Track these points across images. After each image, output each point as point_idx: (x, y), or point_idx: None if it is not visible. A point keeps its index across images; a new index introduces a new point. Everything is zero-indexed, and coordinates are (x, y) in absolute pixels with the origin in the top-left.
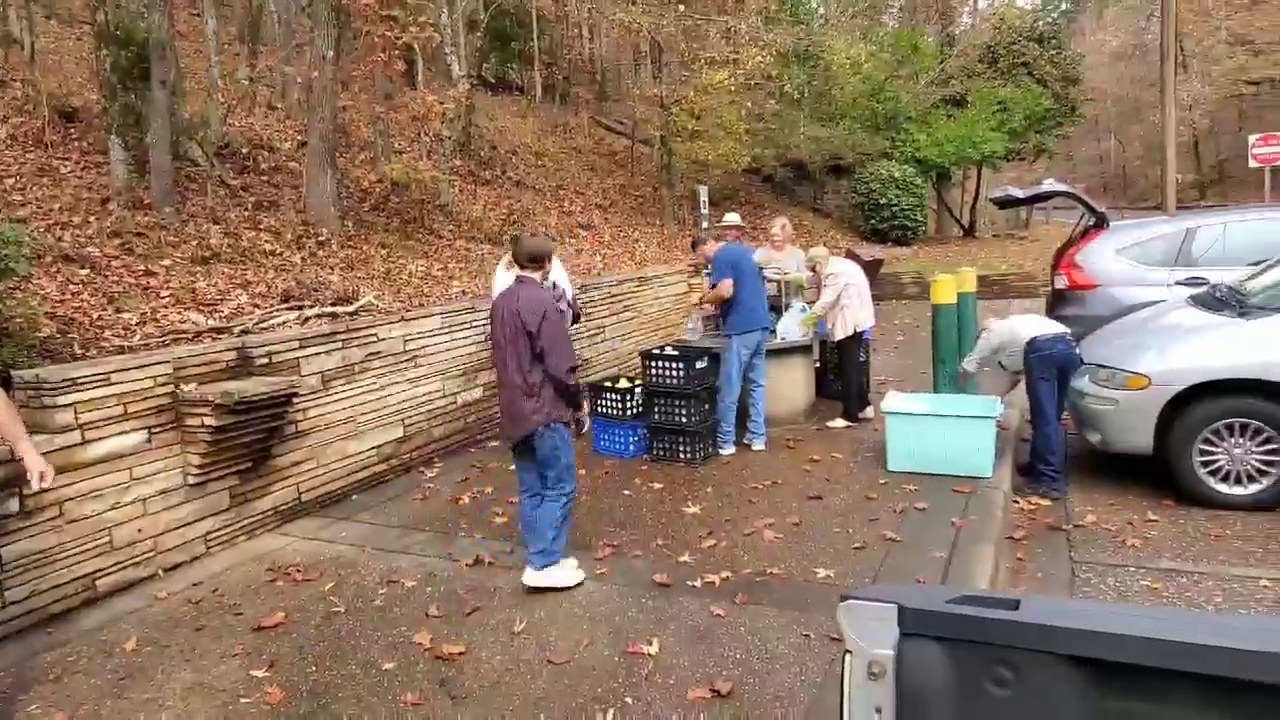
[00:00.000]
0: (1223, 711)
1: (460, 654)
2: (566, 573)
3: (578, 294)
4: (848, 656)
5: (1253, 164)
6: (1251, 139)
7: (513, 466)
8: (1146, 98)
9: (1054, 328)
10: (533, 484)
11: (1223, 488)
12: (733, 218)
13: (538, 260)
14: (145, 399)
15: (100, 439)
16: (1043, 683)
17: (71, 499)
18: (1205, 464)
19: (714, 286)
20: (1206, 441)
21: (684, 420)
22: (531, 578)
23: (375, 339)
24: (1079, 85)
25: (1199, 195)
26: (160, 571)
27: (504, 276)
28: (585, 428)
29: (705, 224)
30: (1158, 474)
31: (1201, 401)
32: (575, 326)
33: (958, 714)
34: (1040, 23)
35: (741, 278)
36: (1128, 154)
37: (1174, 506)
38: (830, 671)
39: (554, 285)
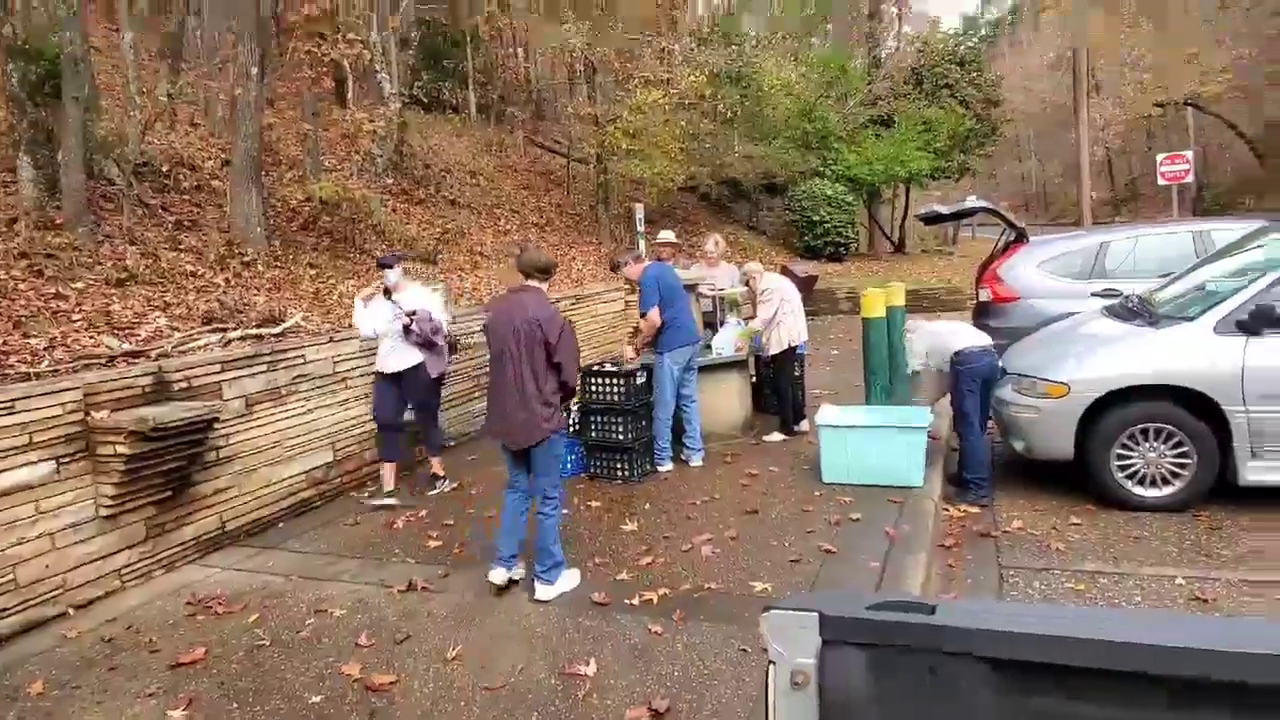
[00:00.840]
0: (1136, 708)
1: (391, 684)
2: (571, 576)
3: (452, 324)
4: (771, 667)
5: (1161, 182)
6: (1159, 158)
7: (448, 488)
8: (1062, 117)
9: (979, 339)
10: (524, 484)
11: (1139, 490)
12: (667, 235)
13: (546, 270)
14: (53, 427)
15: (3, 470)
16: (962, 685)
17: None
18: (1122, 468)
19: (643, 314)
20: (1123, 446)
21: (621, 437)
22: (545, 592)
23: (303, 360)
24: (999, 106)
25: (1114, 211)
26: (70, 609)
27: (362, 310)
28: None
29: (641, 242)
30: (1079, 479)
31: (1117, 408)
32: (454, 357)
33: (881, 719)
34: (961, 47)
35: (668, 295)
36: (1047, 172)
37: (1095, 510)
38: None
39: (413, 312)
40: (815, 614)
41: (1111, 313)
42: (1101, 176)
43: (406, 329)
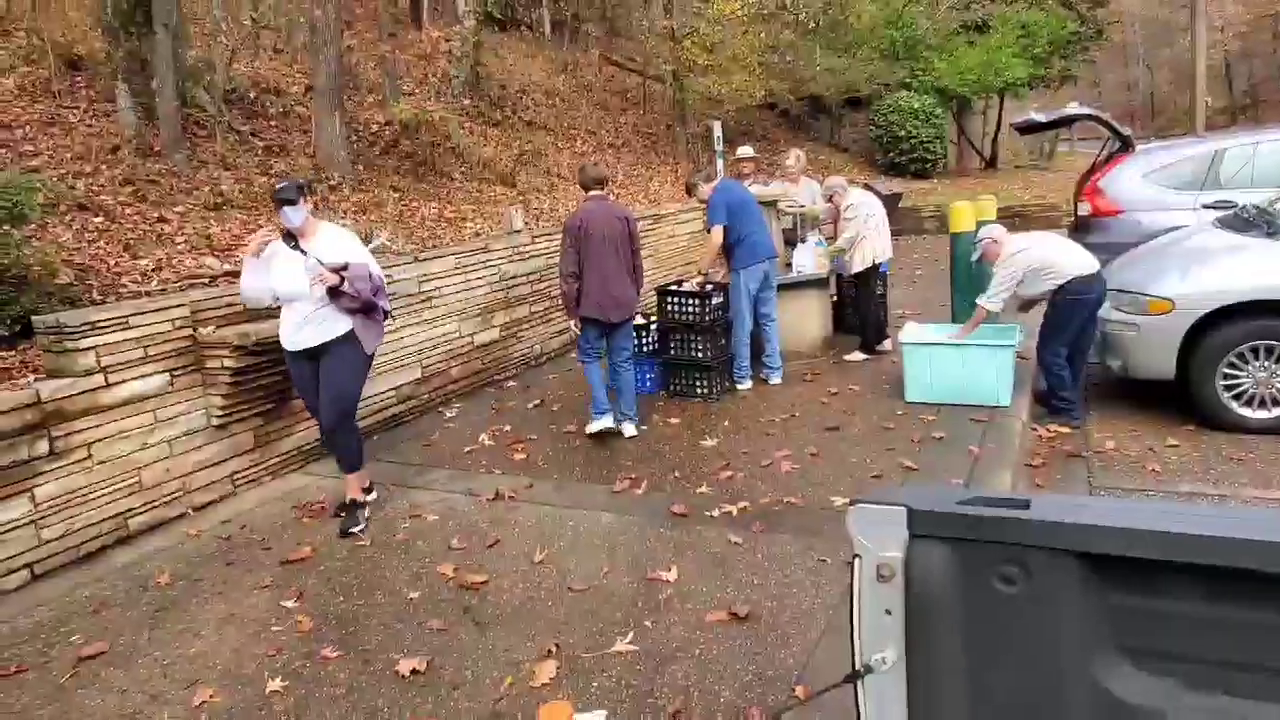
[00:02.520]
0: (1224, 603)
1: (483, 583)
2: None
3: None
4: (857, 560)
5: None
6: None
7: (530, 404)
8: (1176, 20)
9: (1090, 263)
10: (598, 353)
11: (1246, 412)
12: (745, 150)
13: (603, 181)
14: (165, 342)
15: (123, 382)
16: (1049, 579)
17: (99, 440)
18: (1228, 388)
19: (708, 231)
20: (1230, 365)
21: (700, 355)
22: (631, 430)
23: (390, 280)
24: (1106, 8)
25: (1230, 121)
26: (190, 510)
27: (255, 267)
28: None
29: (720, 160)
30: (1179, 399)
31: (1226, 324)
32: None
33: (966, 613)
34: None
35: (737, 213)
36: (1157, 80)
37: (1195, 431)
38: (847, 594)
39: (344, 266)
40: (903, 508)
41: (1224, 224)
42: (1218, 83)
43: (335, 290)
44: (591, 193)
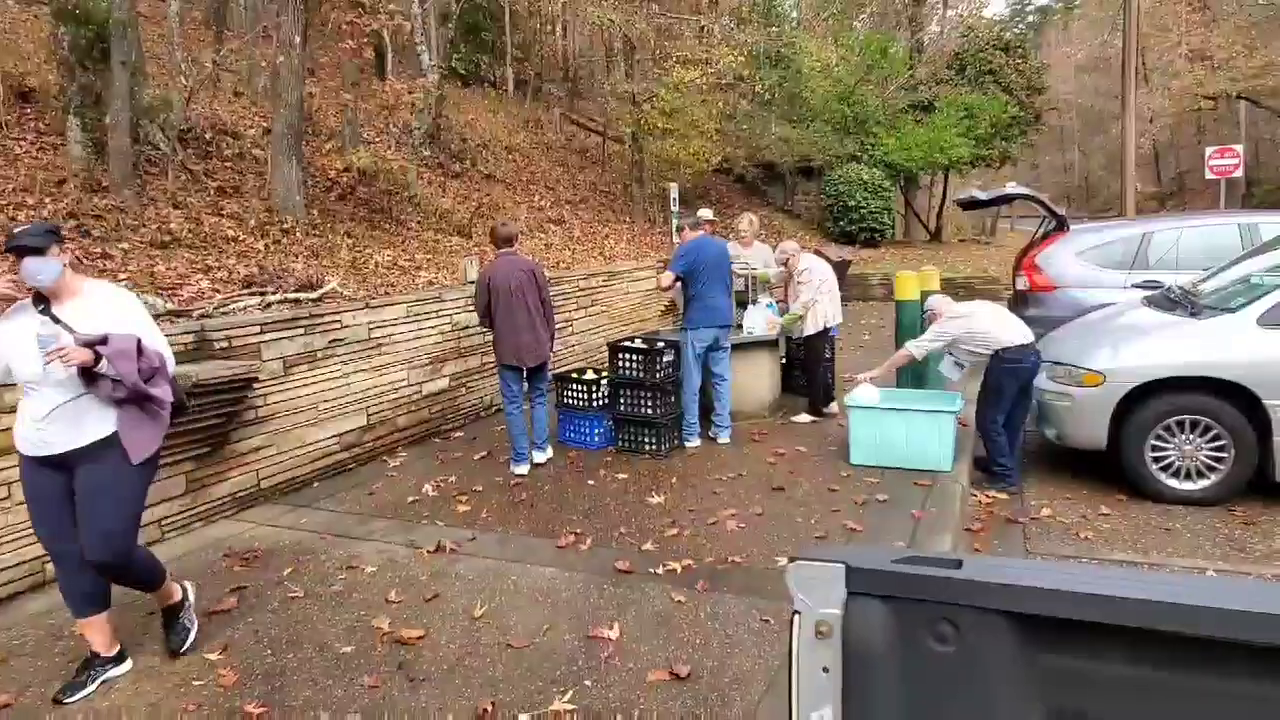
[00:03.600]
0: (1153, 666)
1: (419, 638)
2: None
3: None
4: (796, 617)
5: (1209, 175)
6: (1208, 151)
7: (476, 456)
8: (1109, 109)
9: (1023, 334)
10: (521, 395)
11: (1173, 483)
12: (705, 212)
13: (513, 239)
14: None
15: None
16: (982, 639)
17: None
18: (1157, 459)
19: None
20: (1158, 438)
21: (649, 412)
22: (540, 457)
23: (339, 325)
24: (1043, 94)
25: (1159, 206)
26: None
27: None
28: None
29: (675, 221)
30: (1111, 469)
31: (1154, 398)
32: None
33: (902, 671)
34: (1007, 33)
35: (698, 272)
36: (1091, 164)
37: (1126, 500)
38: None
39: (102, 340)
40: (842, 565)
41: (1152, 303)
42: (1147, 170)
43: (89, 373)
44: (501, 250)
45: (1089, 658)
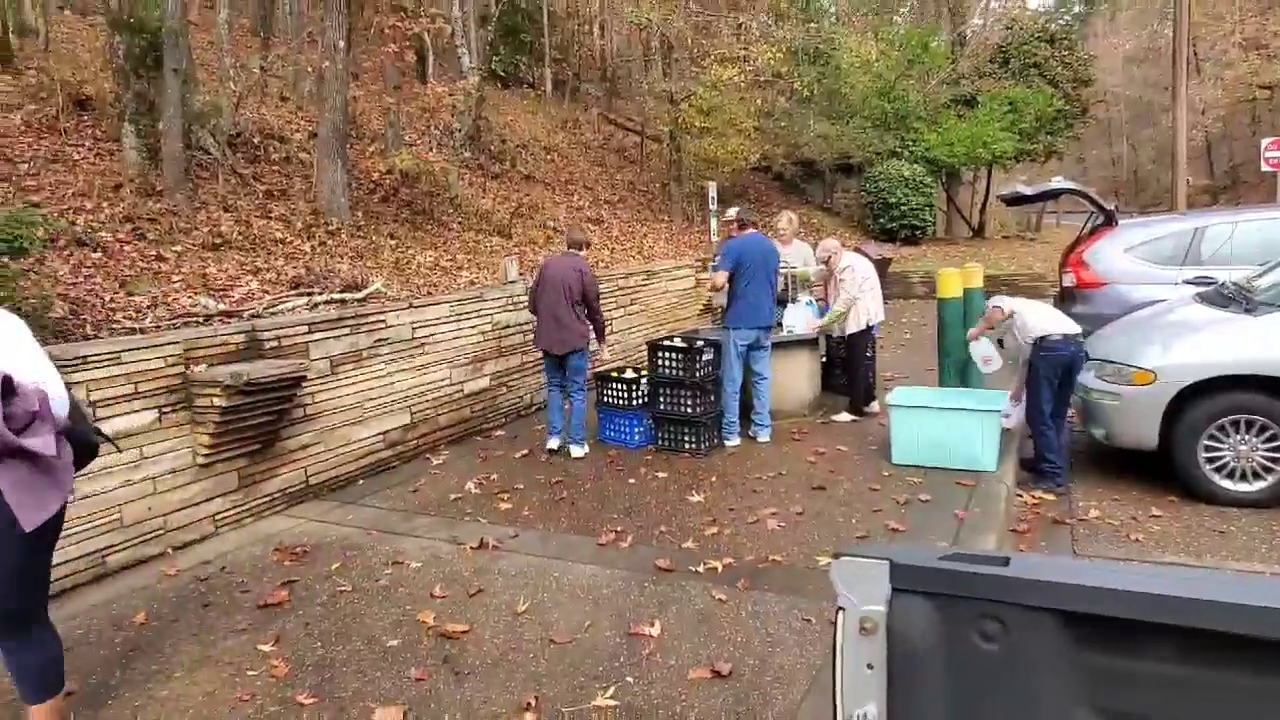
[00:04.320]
0: (1199, 665)
1: (464, 632)
2: (584, 448)
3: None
4: (840, 613)
5: (1265, 168)
6: (1264, 142)
7: (517, 454)
8: (1159, 101)
9: (1066, 325)
10: (559, 382)
11: (1227, 484)
12: (731, 211)
13: (578, 245)
14: (155, 379)
15: (111, 417)
16: (1028, 638)
17: (82, 476)
18: (1210, 460)
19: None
20: (1211, 438)
21: (689, 410)
22: (578, 451)
23: (383, 325)
24: (1090, 87)
25: (1211, 200)
26: (169, 549)
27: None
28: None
29: (713, 220)
30: (1163, 469)
31: (1206, 397)
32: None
33: (947, 668)
34: (1052, 24)
35: (743, 271)
36: (1140, 158)
37: (1179, 502)
38: (831, 652)
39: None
40: (886, 562)
41: (1204, 299)
42: (1199, 163)
43: None
44: (567, 250)
45: (1137, 657)
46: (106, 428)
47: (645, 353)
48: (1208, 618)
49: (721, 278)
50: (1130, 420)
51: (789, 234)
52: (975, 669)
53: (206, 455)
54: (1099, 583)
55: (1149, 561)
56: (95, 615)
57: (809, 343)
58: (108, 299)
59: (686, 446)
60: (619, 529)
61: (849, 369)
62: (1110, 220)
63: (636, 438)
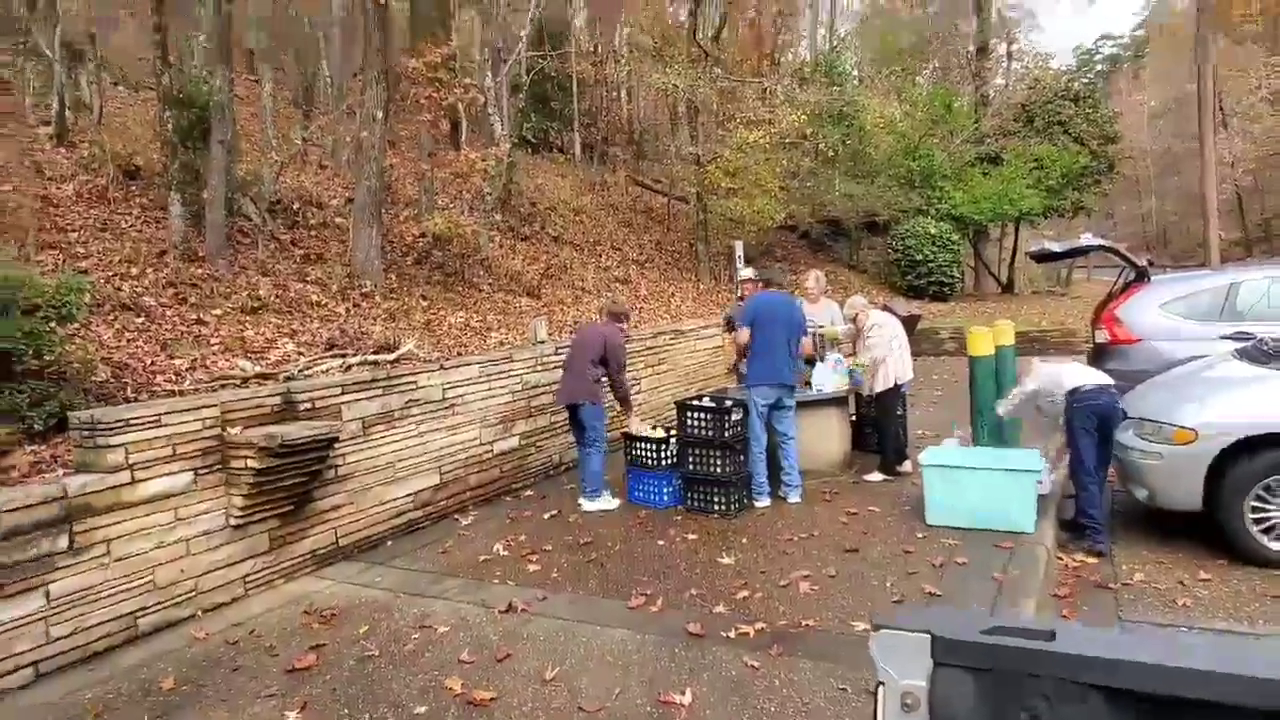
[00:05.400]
0: None
1: (491, 700)
2: (608, 500)
3: None
4: (880, 688)
5: None
6: None
7: (546, 514)
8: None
9: (1098, 378)
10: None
11: (1276, 545)
12: (747, 272)
13: (616, 316)
14: (193, 440)
15: (149, 479)
16: (1075, 714)
17: (119, 537)
18: (1258, 521)
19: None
20: (1258, 498)
21: (719, 471)
22: (586, 505)
23: (415, 387)
24: (1116, 143)
25: (1245, 253)
26: (200, 612)
27: None
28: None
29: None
30: (1209, 531)
31: (1252, 456)
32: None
33: None
34: (1075, 83)
35: (759, 329)
36: (1168, 210)
37: (1227, 565)
38: None
39: None
40: (927, 635)
41: (1244, 355)
42: (1231, 216)
43: None
44: (607, 320)
45: None
46: (144, 489)
47: (674, 412)
48: (1264, 696)
49: (744, 335)
50: (1172, 480)
51: (816, 292)
52: None
53: (240, 517)
54: (1148, 658)
55: (1198, 628)
56: (126, 679)
57: (838, 401)
58: (149, 362)
59: (716, 507)
60: (649, 592)
61: (880, 428)
62: (1143, 276)
63: (665, 498)
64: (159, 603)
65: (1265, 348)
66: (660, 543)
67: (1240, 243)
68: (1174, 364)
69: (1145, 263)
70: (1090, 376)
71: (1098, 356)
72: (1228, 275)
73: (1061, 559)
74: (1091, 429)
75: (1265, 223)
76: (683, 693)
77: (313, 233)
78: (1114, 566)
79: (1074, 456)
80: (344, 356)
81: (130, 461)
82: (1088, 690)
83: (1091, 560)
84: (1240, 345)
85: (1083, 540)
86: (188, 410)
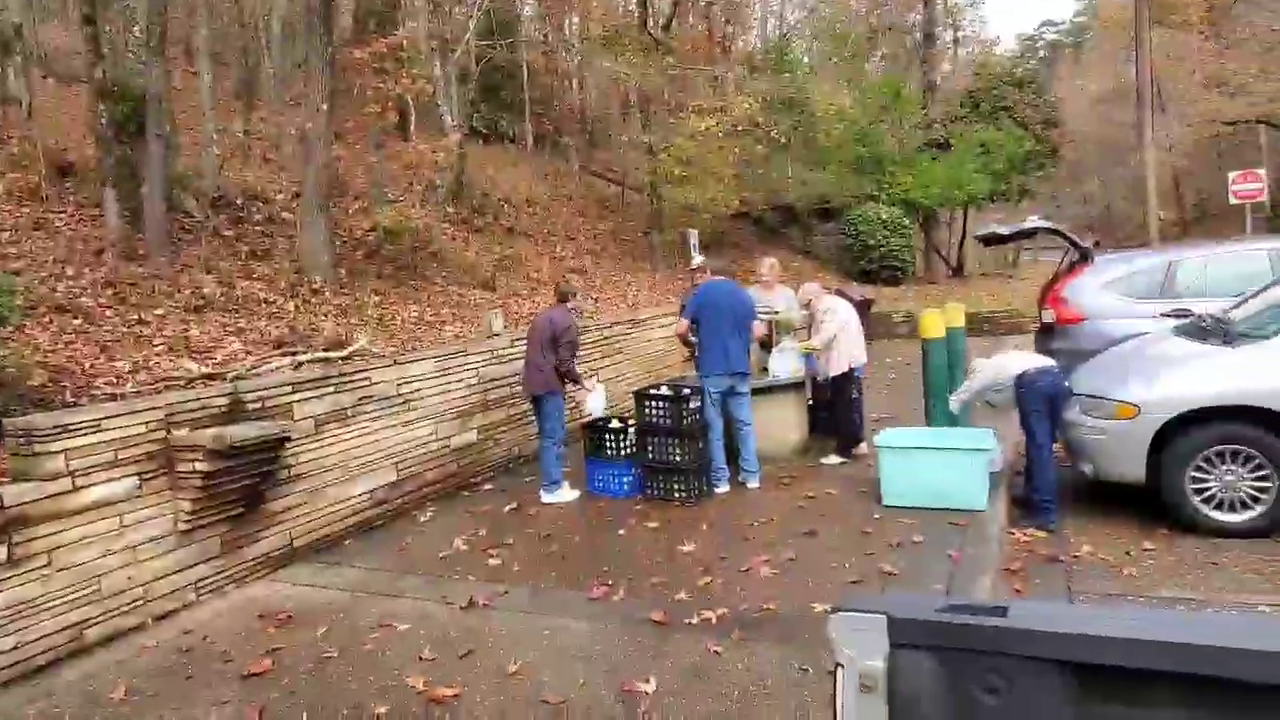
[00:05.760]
0: (1209, 711)
1: (454, 696)
2: (566, 492)
3: None
4: (839, 670)
5: (1233, 201)
6: (1231, 176)
7: (505, 508)
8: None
9: (1041, 361)
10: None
11: (1217, 515)
12: (698, 260)
13: (563, 296)
14: (136, 445)
15: (91, 485)
16: (1033, 689)
17: (60, 547)
18: (1198, 491)
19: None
20: (1198, 469)
21: (678, 459)
22: (545, 497)
23: (368, 383)
24: (1059, 128)
25: (1182, 233)
26: (149, 620)
27: None
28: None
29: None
30: (1152, 503)
31: (1191, 429)
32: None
33: None
34: (1019, 69)
35: (704, 318)
36: (1111, 194)
37: (1170, 535)
38: (829, 705)
39: None
40: (884, 616)
41: (1183, 332)
42: (1168, 197)
43: None
44: (557, 302)
45: (1142, 705)
46: (86, 497)
47: (632, 402)
48: (1213, 664)
49: (682, 326)
50: (1116, 454)
51: (771, 279)
52: None
53: (188, 521)
54: (1100, 630)
55: (1144, 597)
56: (72, 692)
57: (794, 387)
58: (88, 365)
59: (676, 495)
60: (610, 582)
61: (835, 412)
62: (1086, 257)
63: (625, 487)
64: (106, 612)
65: (1203, 324)
66: (621, 532)
67: (1178, 223)
68: (1117, 342)
69: (1090, 244)
70: (1032, 361)
71: (1044, 336)
72: (1166, 255)
73: (1013, 534)
74: (1043, 410)
75: (1201, 204)
76: (646, 680)
77: (258, 228)
78: (1063, 540)
79: (1029, 438)
80: (294, 354)
81: (70, 468)
82: (1042, 664)
83: (1042, 535)
84: (1179, 323)
85: (1034, 517)
86: (130, 414)
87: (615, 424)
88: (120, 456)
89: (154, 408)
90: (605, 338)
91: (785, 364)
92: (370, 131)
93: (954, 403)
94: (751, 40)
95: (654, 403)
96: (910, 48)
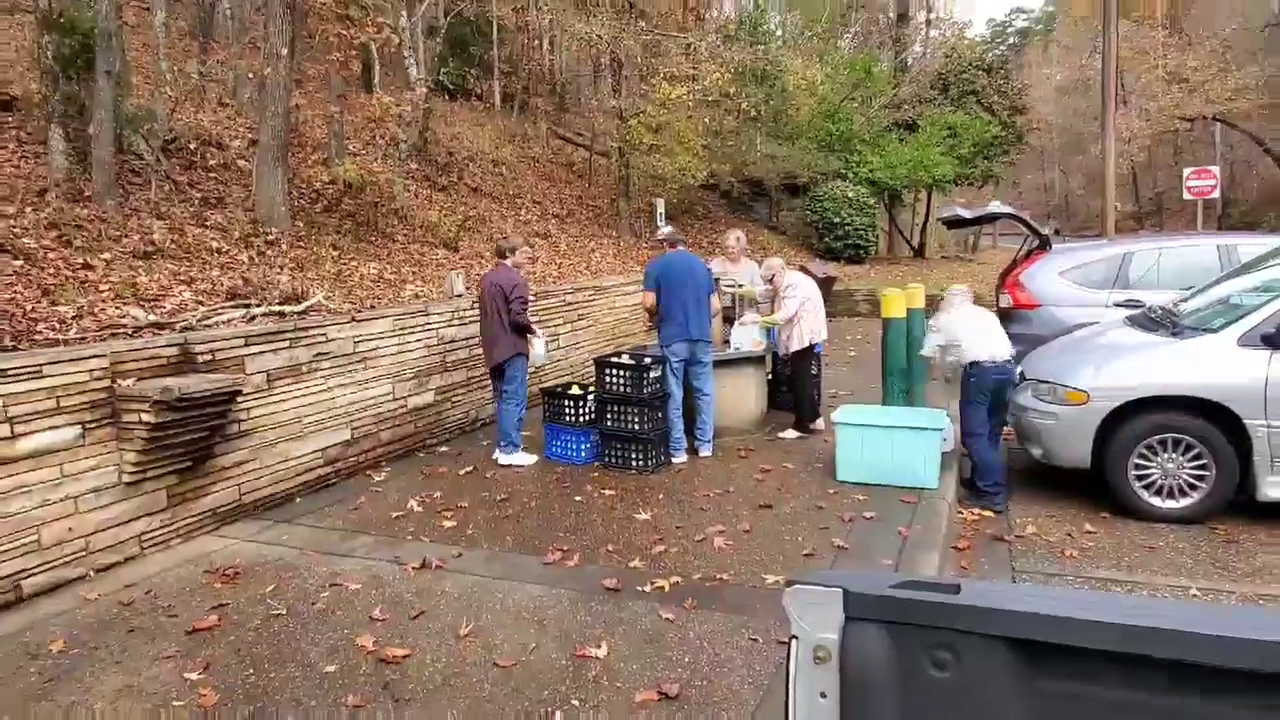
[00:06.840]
0: (1150, 690)
1: (404, 657)
2: (525, 457)
3: None
4: (794, 642)
5: (1187, 196)
6: (1186, 172)
7: (462, 471)
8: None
9: (1000, 353)
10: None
11: (1156, 501)
12: (666, 229)
13: (501, 253)
14: (79, 393)
15: (30, 433)
16: (980, 665)
17: None
18: (1140, 478)
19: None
20: (1141, 456)
21: (636, 427)
22: (502, 458)
23: (324, 339)
24: (1025, 115)
25: (1137, 224)
26: (91, 573)
27: None
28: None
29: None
30: (1096, 487)
31: (1136, 417)
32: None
33: (901, 697)
34: (989, 54)
35: (665, 288)
36: (1070, 184)
37: (1110, 519)
38: (779, 673)
39: None
40: (839, 590)
41: (1134, 322)
42: (1126, 190)
43: None
44: (500, 260)
45: (1087, 682)
46: (25, 445)
47: (593, 369)
48: (1157, 645)
49: (649, 298)
50: (1065, 439)
51: (737, 251)
52: (928, 697)
53: (133, 473)
54: (1048, 609)
55: (1082, 577)
56: (8, 644)
57: (755, 360)
58: (29, 309)
59: (634, 463)
60: (565, 548)
61: (793, 387)
62: (1045, 244)
63: (583, 454)
64: (45, 563)
65: (1153, 315)
66: (577, 498)
67: (1134, 215)
68: (1071, 329)
69: (1050, 232)
70: (994, 351)
71: (1001, 320)
72: (1121, 246)
73: (961, 513)
74: (984, 400)
75: (1157, 196)
76: (598, 646)
77: (212, 175)
78: (1009, 520)
79: (963, 422)
80: (247, 307)
81: (8, 415)
82: (991, 641)
83: (989, 514)
84: (1130, 313)
85: (981, 499)
86: (73, 360)
87: (575, 390)
88: (62, 404)
89: (99, 355)
90: (567, 303)
91: (747, 337)
92: (332, 81)
93: (926, 348)
94: (726, 8)
95: (615, 371)
96: (883, 26)
